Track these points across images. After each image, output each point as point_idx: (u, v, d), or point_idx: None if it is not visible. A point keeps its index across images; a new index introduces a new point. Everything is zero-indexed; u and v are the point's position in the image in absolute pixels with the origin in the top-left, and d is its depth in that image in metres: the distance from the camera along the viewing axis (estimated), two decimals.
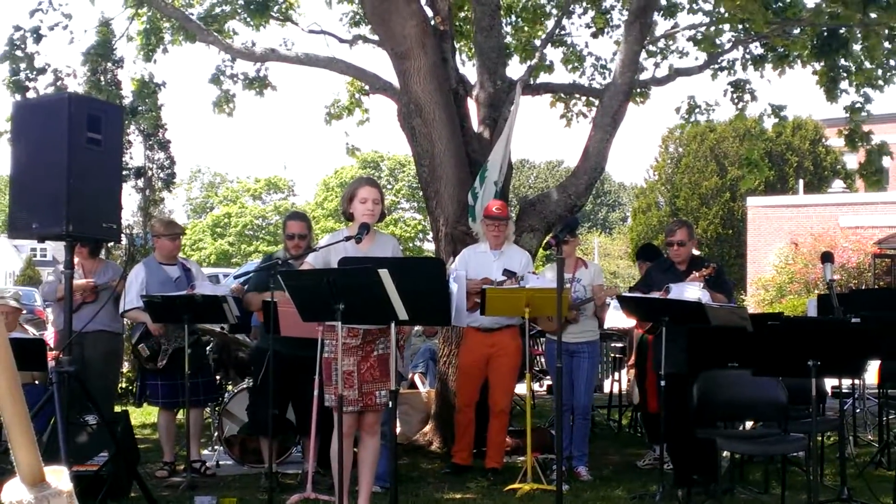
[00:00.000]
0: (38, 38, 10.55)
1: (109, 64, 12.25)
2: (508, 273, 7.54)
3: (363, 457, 6.08)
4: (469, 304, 7.44)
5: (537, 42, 11.94)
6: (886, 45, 9.82)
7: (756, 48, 11.10)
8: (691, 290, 6.93)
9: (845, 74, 10.39)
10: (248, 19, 11.20)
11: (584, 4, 12.03)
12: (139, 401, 8.09)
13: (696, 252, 7.93)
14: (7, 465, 6.44)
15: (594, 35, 12.10)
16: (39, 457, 1.72)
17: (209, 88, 11.58)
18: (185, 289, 7.66)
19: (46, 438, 6.12)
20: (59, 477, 1.75)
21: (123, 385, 12.65)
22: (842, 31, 9.96)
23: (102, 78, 11.65)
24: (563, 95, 12.22)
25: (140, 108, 11.50)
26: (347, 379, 5.75)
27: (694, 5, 11.46)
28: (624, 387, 11.07)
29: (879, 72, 10.26)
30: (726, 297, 7.34)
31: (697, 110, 12.15)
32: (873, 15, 8.94)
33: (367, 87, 12.15)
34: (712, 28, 10.75)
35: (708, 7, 11.18)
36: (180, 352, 7.49)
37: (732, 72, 11.41)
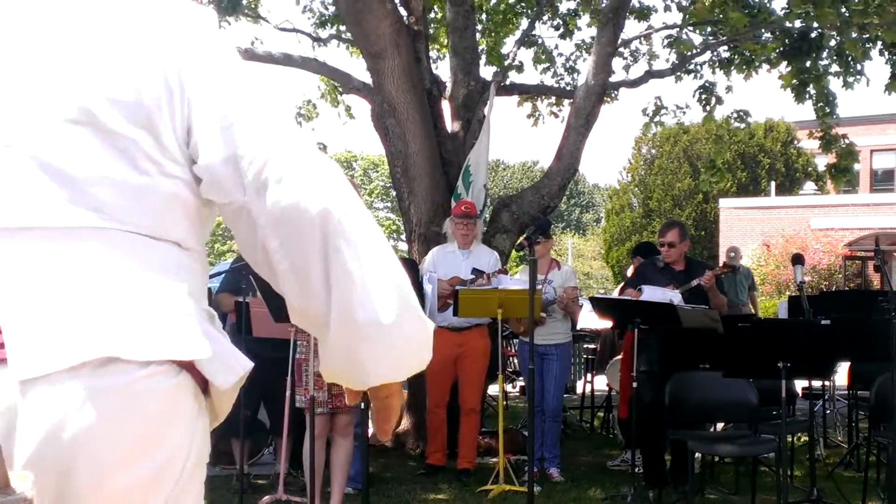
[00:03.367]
0: None
1: None
2: (477, 272, 7.54)
3: (336, 458, 6.06)
4: (439, 305, 7.46)
5: (504, 49, 12.00)
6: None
7: (724, 52, 11.18)
8: (664, 292, 6.96)
9: (813, 77, 10.46)
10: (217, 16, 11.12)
11: (552, 7, 12.07)
12: None
13: None
14: None
15: (562, 36, 12.15)
16: (4, 462, 1.70)
17: None
18: None
19: None
20: (24, 482, 1.73)
21: None
22: (813, 35, 10.03)
23: None
24: (530, 95, 12.27)
25: None
26: (317, 380, 5.73)
27: (667, 7, 11.52)
28: (600, 386, 11.10)
29: (840, 79, 10.35)
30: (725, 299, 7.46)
31: (664, 111, 12.24)
32: (846, 13, 9.00)
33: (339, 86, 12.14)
34: (685, 30, 10.79)
35: (679, 14, 11.25)
36: None
37: (699, 75, 11.50)
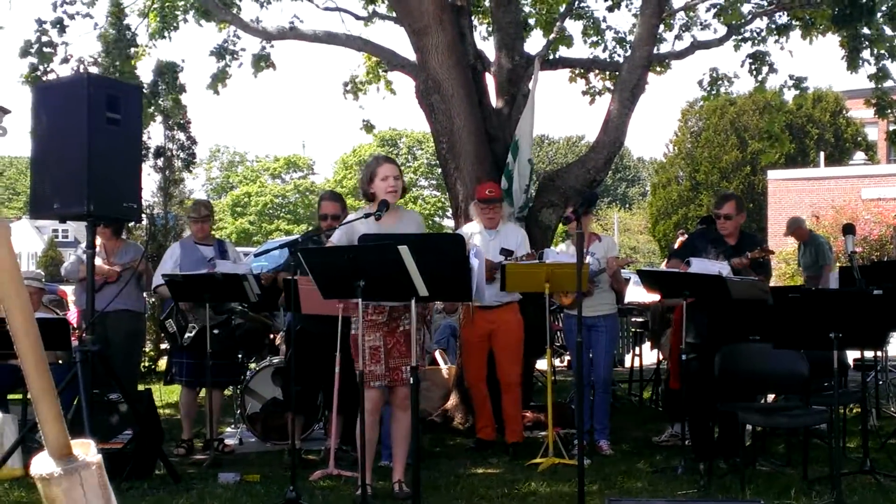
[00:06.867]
0: (63, 28, 10.56)
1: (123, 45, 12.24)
2: (506, 252, 7.49)
3: (396, 431, 6.13)
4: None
5: (557, 16, 11.88)
6: None
7: (780, 17, 10.99)
8: (712, 264, 6.90)
9: (867, 43, 10.28)
10: None
11: None
12: (166, 378, 8.13)
13: None
14: (33, 444, 6.51)
15: (610, 9, 12.03)
16: (66, 431, 1.74)
17: (211, 62, 11.38)
18: None
19: (70, 417, 6.17)
20: (87, 450, 1.77)
21: (146, 364, 12.72)
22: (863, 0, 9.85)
23: (118, 60, 11.62)
24: (582, 70, 12.15)
25: (162, 88, 11.49)
26: (374, 354, 5.77)
27: None
28: (648, 360, 11.07)
29: None
30: (767, 280, 7.30)
31: (720, 82, 12.08)
32: None
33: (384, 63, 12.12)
34: None
35: None
36: (207, 331, 7.53)
37: (757, 42, 11.31)
